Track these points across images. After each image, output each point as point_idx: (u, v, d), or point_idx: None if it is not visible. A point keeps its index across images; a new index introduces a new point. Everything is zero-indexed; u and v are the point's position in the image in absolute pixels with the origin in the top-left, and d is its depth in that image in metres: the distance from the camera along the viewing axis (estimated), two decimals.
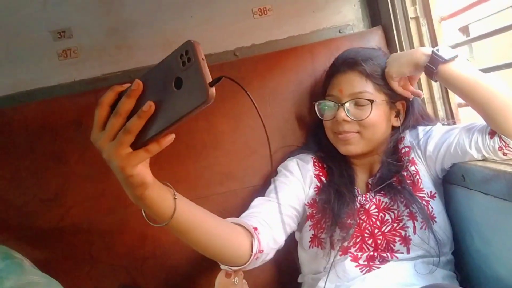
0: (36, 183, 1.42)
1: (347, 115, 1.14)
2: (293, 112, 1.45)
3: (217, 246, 0.91)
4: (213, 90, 0.59)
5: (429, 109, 1.37)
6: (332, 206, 1.12)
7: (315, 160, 1.26)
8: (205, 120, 1.44)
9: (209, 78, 0.60)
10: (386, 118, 1.17)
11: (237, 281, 1.02)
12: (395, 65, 1.14)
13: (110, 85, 1.38)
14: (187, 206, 0.81)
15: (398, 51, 1.38)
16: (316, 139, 1.31)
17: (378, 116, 1.14)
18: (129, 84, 0.65)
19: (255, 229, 0.99)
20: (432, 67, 1.05)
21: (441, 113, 1.36)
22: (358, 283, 1.03)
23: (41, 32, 1.51)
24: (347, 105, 1.15)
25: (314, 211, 1.16)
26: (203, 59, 0.60)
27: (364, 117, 1.13)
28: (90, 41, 1.51)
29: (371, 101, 1.13)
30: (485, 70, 1.10)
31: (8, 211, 1.41)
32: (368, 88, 1.15)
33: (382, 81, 1.16)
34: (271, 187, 1.21)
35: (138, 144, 0.64)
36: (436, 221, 1.09)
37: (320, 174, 1.23)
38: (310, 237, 1.14)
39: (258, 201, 1.14)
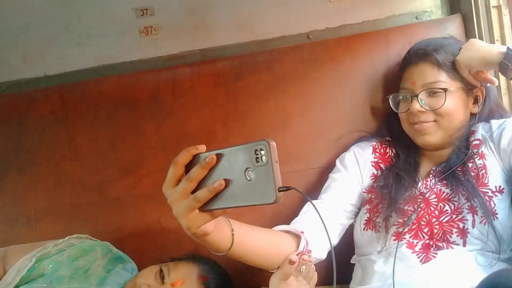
0: (113, 152, 1.61)
1: (421, 105, 1.19)
2: (364, 97, 1.51)
3: (268, 260, 1.04)
4: (281, 195, 0.65)
5: (505, 101, 1.38)
6: (389, 190, 1.19)
7: (376, 147, 1.33)
8: (274, 101, 1.54)
9: (279, 183, 0.65)
10: (464, 105, 1.21)
11: (304, 270, 1.06)
12: (466, 56, 1.18)
13: (187, 62, 1.55)
14: (243, 237, 0.94)
15: None
16: (389, 126, 1.36)
17: (454, 104, 1.19)
18: (204, 147, 0.75)
19: (302, 232, 1.10)
20: (507, 63, 1.08)
21: None
22: (418, 273, 1.08)
23: (125, 9, 1.67)
24: (420, 95, 1.20)
25: (373, 196, 1.24)
26: (276, 161, 0.66)
27: (438, 106, 1.18)
28: (170, 20, 1.65)
29: (445, 90, 1.18)
30: None
31: (88, 177, 1.60)
32: (441, 77, 1.19)
33: (455, 68, 1.20)
34: (326, 184, 1.32)
35: (205, 208, 0.74)
36: (497, 217, 1.11)
37: (380, 161, 1.30)
38: (365, 220, 1.22)
39: (308, 206, 1.25)
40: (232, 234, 0.91)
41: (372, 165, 1.30)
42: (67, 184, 1.61)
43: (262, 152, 0.66)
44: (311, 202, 0.78)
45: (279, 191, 0.65)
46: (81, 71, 1.72)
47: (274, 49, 1.57)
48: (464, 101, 1.21)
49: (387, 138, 1.36)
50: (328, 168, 1.41)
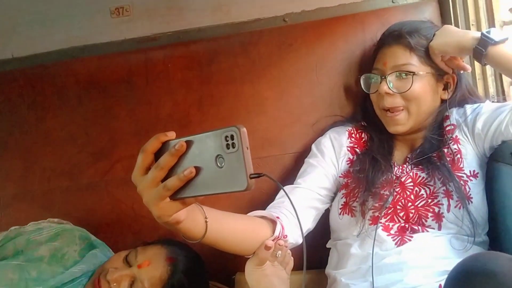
0: (85, 137, 1.58)
1: (389, 87, 1.19)
2: (341, 81, 1.50)
3: (244, 246, 1.05)
4: (252, 182, 0.64)
5: (479, 86, 1.40)
6: (366, 174, 1.20)
7: (351, 131, 1.34)
8: (250, 86, 1.52)
9: (250, 170, 0.65)
10: (432, 90, 1.22)
11: (279, 255, 1.08)
12: (440, 42, 1.18)
13: (161, 45, 1.52)
14: (217, 224, 0.94)
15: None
16: (364, 111, 1.36)
17: (421, 88, 1.19)
18: (173, 134, 0.73)
19: (278, 218, 1.10)
20: (481, 49, 1.08)
21: (492, 90, 1.39)
22: (394, 256, 1.10)
23: None
24: (389, 77, 1.21)
25: (349, 181, 1.25)
26: (247, 148, 0.66)
27: (406, 89, 1.19)
28: (142, 0, 1.59)
29: (413, 73, 1.18)
30: None
31: (59, 162, 1.57)
32: (412, 61, 1.20)
33: (428, 52, 1.20)
34: (302, 169, 1.33)
35: (176, 196, 0.73)
36: (472, 202, 1.13)
37: (355, 146, 1.31)
38: (342, 205, 1.23)
39: (284, 192, 1.23)
40: (206, 221, 0.90)
41: (348, 150, 1.31)
42: (37, 170, 1.58)
43: (233, 139, 0.65)
44: (283, 189, 0.78)
45: (251, 178, 0.65)
46: (50, 52, 1.65)
47: (250, 32, 1.54)
48: (433, 86, 1.22)
49: (362, 123, 1.36)
50: (304, 153, 1.41)
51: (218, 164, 0.67)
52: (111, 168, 1.54)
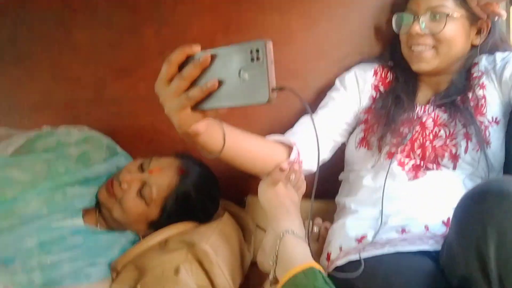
0: (111, 52, 1.59)
1: (421, 28, 1.17)
2: (372, 19, 1.46)
3: (259, 166, 1.08)
4: (274, 95, 0.66)
5: None
6: (388, 110, 1.20)
7: (377, 69, 1.32)
8: (279, 16, 1.50)
9: (273, 84, 0.66)
10: (465, 34, 1.19)
11: (293, 178, 1.10)
12: None
13: None
14: (235, 140, 0.97)
15: None
16: (392, 51, 1.35)
17: (454, 31, 1.17)
18: (199, 47, 0.73)
19: (294, 143, 1.12)
20: None
21: None
22: (405, 187, 1.12)
23: None
24: (422, 18, 1.18)
25: (369, 117, 1.25)
26: (272, 62, 0.66)
27: (438, 30, 1.16)
28: None
29: (447, 14, 1.15)
30: None
31: (84, 74, 1.59)
32: (446, 2, 1.16)
33: None
34: (323, 102, 1.33)
35: (197, 107, 0.74)
36: (490, 147, 1.13)
37: (380, 84, 1.30)
38: (360, 139, 1.24)
39: (303, 119, 1.28)
40: (224, 137, 0.93)
41: (372, 88, 1.30)
42: (62, 79, 1.61)
43: (258, 52, 0.66)
44: (305, 105, 0.77)
45: (273, 91, 0.66)
46: None
47: None
48: (466, 30, 1.19)
49: (389, 63, 1.35)
50: (326, 89, 1.40)
51: (242, 77, 0.68)
52: (135, 85, 1.56)
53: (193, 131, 0.80)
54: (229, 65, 0.69)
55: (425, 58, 1.20)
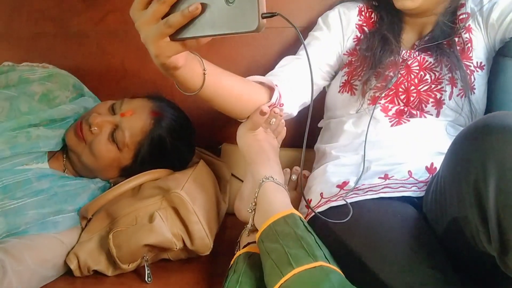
0: None
1: None
2: None
3: (239, 107, 1.01)
4: (264, 22, 0.59)
5: None
6: (374, 52, 1.14)
7: (362, 9, 1.26)
8: None
9: (263, 9, 0.59)
10: None
11: (273, 122, 1.06)
12: None
13: None
14: (214, 78, 0.90)
15: None
16: None
17: None
18: None
19: (276, 86, 1.06)
20: None
21: None
22: (387, 133, 1.09)
23: None
24: None
25: (353, 59, 1.20)
26: None
27: None
28: None
29: None
30: None
31: (48, 4, 1.47)
32: None
33: None
34: (305, 42, 1.25)
35: (177, 36, 0.66)
36: (475, 92, 1.10)
37: (364, 24, 1.24)
38: (342, 82, 1.19)
39: (285, 61, 1.21)
40: (204, 74, 0.86)
41: (356, 27, 1.24)
42: (24, 11, 1.48)
43: None
44: (298, 31, 0.71)
45: (263, 17, 0.59)
46: None
47: None
48: None
49: (373, 2, 1.28)
50: (309, 28, 1.32)
51: (228, 1, 0.61)
52: (103, 18, 1.44)
53: (172, 63, 0.73)
54: None
55: None
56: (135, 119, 1.11)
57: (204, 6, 0.63)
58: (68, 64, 1.40)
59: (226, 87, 0.95)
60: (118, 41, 1.44)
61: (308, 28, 1.33)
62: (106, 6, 1.43)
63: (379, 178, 0.99)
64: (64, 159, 1.16)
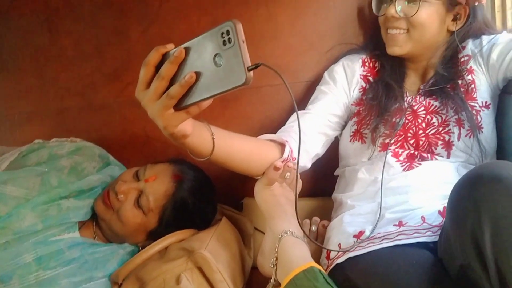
0: (98, 57, 1.57)
1: (396, 11, 1.17)
2: (356, 8, 1.46)
3: (252, 166, 1.06)
4: (251, 74, 0.65)
5: (498, 18, 1.36)
6: (379, 100, 1.19)
7: (365, 60, 1.31)
8: (265, 9, 1.48)
9: (248, 63, 0.64)
10: (440, 20, 1.17)
11: (288, 176, 1.09)
12: None
13: None
14: (224, 141, 0.95)
15: None
16: (377, 39, 1.33)
17: (428, 16, 1.16)
18: (172, 45, 0.72)
19: (287, 141, 1.10)
20: None
21: (510, 23, 1.35)
22: (400, 179, 1.11)
23: None
24: (398, 1, 1.17)
25: (361, 109, 1.24)
26: (243, 41, 0.65)
27: (412, 13, 1.15)
28: None
29: None
30: None
31: (72, 81, 1.57)
32: None
33: None
34: (313, 96, 1.31)
35: (180, 106, 0.73)
36: (482, 131, 1.12)
37: (368, 74, 1.29)
38: (353, 132, 1.23)
39: (295, 116, 1.26)
40: (213, 138, 0.91)
41: (361, 78, 1.29)
42: (51, 88, 1.59)
43: (229, 34, 0.65)
44: (282, 78, 0.73)
45: (249, 70, 0.65)
46: None
47: None
48: (441, 16, 1.17)
49: (376, 52, 1.33)
50: (317, 82, 1.39)
51: (217, 63, 0.67)
52: (124, 89, 1.54)
53: (180, 132, 0.78)
54: (204, 54, 0.68)
55: (398, 41, 1.19)
56: (158, 184, 1.17)
57: (198, 74, 0.69)
58: (94, 135, 1.49)
59: (236, 148, 1.00)
60: (138, 110, 1.49)
61: (316, 82, 1.39)
62: (125, 78, 1.53)
63: (394, 225, 1.01)
64: (94, 227, 1.22)
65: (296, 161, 1.12)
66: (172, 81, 0.71)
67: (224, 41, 0.65)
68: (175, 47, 0.72)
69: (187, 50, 0.70)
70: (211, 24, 1.47)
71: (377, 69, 1.30)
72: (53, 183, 1.18)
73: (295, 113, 1.27)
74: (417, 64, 1.25)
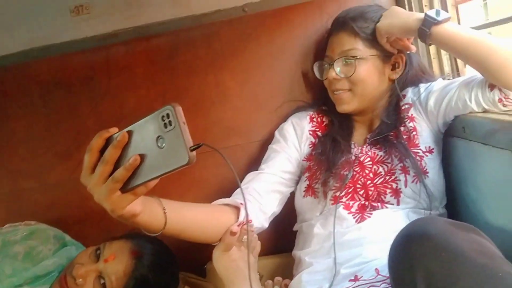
0: (50, 137, 1.57)
1: (336, 73, 1.23)
2: (301, 68, 1.52)
3: (208, 234, 1.08)
4: (193, 154, 0.67)
5: (435, 65, 1.43)
6: (327, 155, 1.22)
7: (312, 116, 1.37)
8: (213, 77, 1.53)
9: (189, 143, 0.67)
10: (378, 72, 1.24)
11: (246, 239, 1.09)
12: (386, 23, 1.20)
13: (122, 41, 1.51)
14: (177, 213, 0.96)
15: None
16: (324, 95, 1.38)
17: (366, 71, 1.22)
18: (116, 129, 0.74)
19: (242, 204, 1.12)
20: (425, 29, 1.09)
21: (447, 68, 1.42)
22: (354, 231, 1.12)
23: None
24: (336, 64, 1.25)
25: (311, 164, 1.27)
26: (184, 123, 0.68)
27: (350, 73, 1.22)
28: None
29: (355, 57, 1.22)
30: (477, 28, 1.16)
31: (25, 163, 1.55)
32: (357, 45, 1.23)
33: (374, 35, 1.23)
34: (265, 155, 1.35)
35: (126, 187, 0.74)
36: (428, 176, 1.15)
37: (317, 130, 1.34)
38: (305, 187, 1.25)
39: (249, 177, 1.29)
40: (165, 212, 0.91)
41: (310, 134, 1.33)
42: (3, 172, 1.56)
43: (169, 117, 0.67)
44: (223, 156, 0.78)
45: (191, 150, 0.66)
46: (12, 55, 1.63)
47: (210, 24, 1.54)
48: (379, 68, 1.25)
49: (323, 108, 1.38)
50: (269, 140, 1.42)
51: (160, 145, 0.68)
52: (78, 166, 1.52)
53: (129, 213, 0.78)
54: (147, 137, 0.70)
55: (345, 100, 1.26)
56: (117, 263, 1.14)
57: (142, 156, 0.70)
58: (50, 215, 1.47)
59: (190, 219, 1.01)
60: None
61: (268, 140, 1.43)
62: (78, 156, 1.51)
63: (350, 280, 1.01)
64: None
65: (252, 223, 1.13)
66: (117, 164, 0.72)
67: (165, 124, 0.67)
68: (119, 131, 0.73)
69: (130, 133, 0.71)
70: (161, 95, 1.52)
71: (325, 123, 1.35)
72: (7, 271, 1.15)
73: (249, 174, 1.29)
74: (364, 117, 1.30)
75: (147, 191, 0.77)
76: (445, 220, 0.79)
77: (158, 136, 0.68)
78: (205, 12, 1.56)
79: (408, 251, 0.75)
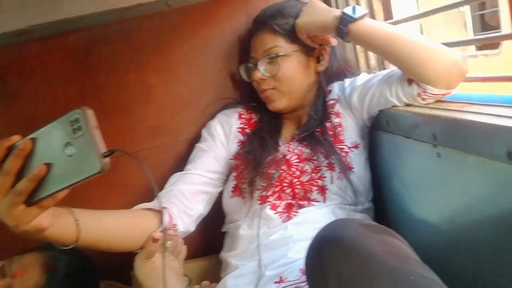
0: None
1: (262, 73, 1.22)
2: (228, 64, 1.48)
3: (130, 242, 1.02)
4: (106, 161, 0.63)
5: (361, 59, 1.43)
6: (254, 154, 1.19)
7: (241, 113, 1.33)
8: (135, 74, 1.46)
9: (102, 149, 0.63)
10: (303, 67, 1.23)
11: (170, 245, 1.04)
12: (305, 21, 1.18)
13: (36, 37, 1.40)
14: (92, 223, 0.90)
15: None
16: (253, 92, 1.35)
17: (290, 67, 1.22)
18: (18, 137, 0.68)
19: (165, 207, 1.08)
20: (342, 27, 1.08)
21: (373, 62, 1.43)
22: (280, 231, 1.10)
23: None
24: (260, 63, 1.23)
25: (239, 163, 1.24)
26: (95, 127, 0.63)
27: (275, 72, 1.21)
28: None
29: (277, 55, 1.21)
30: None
31: None
32: (278, 43, 1.22)
33: (294, 31, 1.21)
34: (192, 154, 1.30)
35: (32, 200, 0.68)
36: (353, 171, 1.15)
37: (246, 127, 1.31)
38: (232, 187, 1.21)
39: (174, 178, 1.23)
40: (77, 224, 0.85)
41: (239, 131, 1.29)
42: None
43: (79, 122, 0.62)
44: (139, 162, 0.74)
45: (104, 157, 0.62)
46: None
47: (130, 18, 1.47)
48: (303, 62, 1.24)
49: (252, 104, 1.35)
50: (196, 139, 1.37)
51: (69, 152, 0.64)
52: None
53: (35, 227, 0.72)
54: (53, 144, 0.65)
55: (273, 98, 1.24)
56: (27, 279, 1.08)
57: (48, 165, 0.65)
58: None
59: (108, 228, 0.95)
60: None
61: (195, 139, 1.38)
62: None
63: (275, 282, 0.98)
64: None
65: (177, 227, 1.08)
66: (21, 175, 0.66)
67: (74, 129, 0.63)
68: (22, 138, 0.67)
69: (34, 141, 0.66)
70: (78, 94, 1.43)
71: (254, 120, 1.32)
72: None
73: (174, 175, 1.24)
74: (293, 114, 1.28)
75: (55, 203, 0.70)
76: (358, 223, 0.78)
77: (67, 143, 0.63)
78: (125, 6, 1.48)
79: (321, 256, 0.73)
